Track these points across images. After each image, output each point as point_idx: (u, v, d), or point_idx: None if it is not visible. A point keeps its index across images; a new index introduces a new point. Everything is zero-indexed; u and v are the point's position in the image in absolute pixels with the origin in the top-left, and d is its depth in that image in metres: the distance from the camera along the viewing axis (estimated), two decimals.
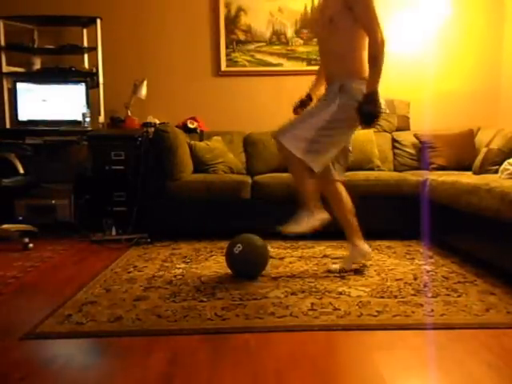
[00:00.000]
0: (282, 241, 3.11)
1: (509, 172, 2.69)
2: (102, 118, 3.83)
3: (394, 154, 3.87)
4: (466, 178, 2.75)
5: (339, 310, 1.91)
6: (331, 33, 2.24)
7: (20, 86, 3.71)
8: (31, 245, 3.06)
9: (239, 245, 2.29)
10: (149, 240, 3.21)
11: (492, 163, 3.16)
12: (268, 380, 1.38)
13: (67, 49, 3.81)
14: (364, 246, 2.45)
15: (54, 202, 3.65)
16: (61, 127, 3.63)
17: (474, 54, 4.10)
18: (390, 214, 3.20)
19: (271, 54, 4.07)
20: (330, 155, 2.28)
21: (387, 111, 3.98)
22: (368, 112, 2.12)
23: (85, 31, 3.87)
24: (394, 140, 3.91)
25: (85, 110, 3.71)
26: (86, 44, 3.88)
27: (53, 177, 3.69)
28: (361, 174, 3.30)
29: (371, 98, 2.12)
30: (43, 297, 2.15)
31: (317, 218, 2.30)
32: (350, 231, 2.45)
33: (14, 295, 2.18)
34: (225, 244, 2.88)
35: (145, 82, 3.78)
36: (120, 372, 1.45)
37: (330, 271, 2.43)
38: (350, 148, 2.47)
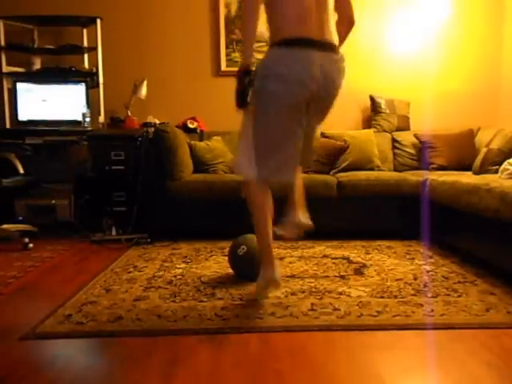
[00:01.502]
0: (282, 241, 3.11)
1: (509, 172, 2.70)
2: (102, 118, 3.83)
3: (394, 153, 3.87)
4: (466, 178, 2.75)
5: (339, 310, 1.91)
6: None
7: (20, 85, 3.71)
8: (31, 245, 3.06)
9: (243, 246, 2.29)
10: (149, 240, 3.21)
11: (492, 163, 3.16)
12: (268, 380, 1.38)
13: (67, 49, 3.81)
14: (272, 273, 1.91)
15: (54, 201, 3.65)
16: (61, 127, 3.62)
17: (474, 54, 4.11)
18: (390, 214, 3.20)
19: None
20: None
21: (387, 111, 4.01)
22: (236, 90, 1.76)
23: (85, 31, 3.87)
24: (394, 140, 3.91)
25: (85, 109, 3.71)
26: (86, 44, 3.87)
27: (53, 177, 3.69)
28: (361, 174, 3.31)
29: (238, 72, 1.75)
30: (43, 297, 2.15)
31: (299, 224, 2.10)
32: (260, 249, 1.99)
33: (14, 295, 2.18)
34: (225, 244, 2.89)
35: (145, 82, 3.78)
36: (120, 372, 1.45)
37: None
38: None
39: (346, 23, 1.96)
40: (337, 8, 1.91)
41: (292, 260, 2.70)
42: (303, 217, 2.14)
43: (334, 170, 3.56)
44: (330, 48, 1.79)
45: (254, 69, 1.78)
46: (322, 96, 1.82)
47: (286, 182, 1.98)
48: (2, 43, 3.73)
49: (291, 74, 1.72)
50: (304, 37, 1.73)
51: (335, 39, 1.83)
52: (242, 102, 1.76)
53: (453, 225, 2.83)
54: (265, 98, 1.77)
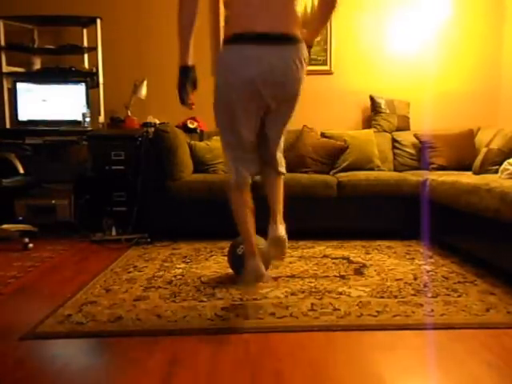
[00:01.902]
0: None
1: (509, 172, 2.70)
2: (102, 118, 3.83)
3: (394, 154, 3.87)
4: (466, 178, 2.75)
5: (339, 310, 1.91)
6: None
7: (20, 85, 3.71)
8: (31, 245, 3.06)
9: (243, 246, 2.28)
10: (149, 240, 3.21)
11: (492, 163, 3.16)
12: (267, 380, 1.38)
13: (67, 49, 3.81)
14: (254, 264, 1.84)
15: (53, 202, 3.64)
16: (61, 127, 3.62)
17: (474, 54, 4.11)
18: (390, 214, 3.20)
19: None
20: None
21: (387, 111, 4.01)
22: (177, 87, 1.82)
23: (85, 31, 3.87)
24: (394, 140, 3.91)
25: (85, 109, 3.71)
26: (86, 44, 3.87)
27: (53, 177, 3.69)
28: (361, 174, 3.31)
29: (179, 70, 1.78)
30: (43, 297, 2.15)
31: (280, 239, 1.98)
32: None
33: (14, 295, 2.18)
34: (225, 244, 2.89)
35: (145, 82, 3.78)
36: (120, 372, 1.45)
37: None
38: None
39: (328, 2, 1.80)
40: None
41: (292, 260, 2.70)
42: (282, 230, 1.99)
43: (334, 170, 3.56)
44: (283, 40, 1.68)
45: (191, 65, 1.82)
46: (279, 93, 1.75)
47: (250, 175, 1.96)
48: (2, 43, 3.73)
49: (240, 72, 1.69)
50: (250, 31, 1.67)
51: (294, 29, 1.70)
52: (181, 98, 1.82)
53: (453, 225, 2.83)
54: (220, 96, 1.79)
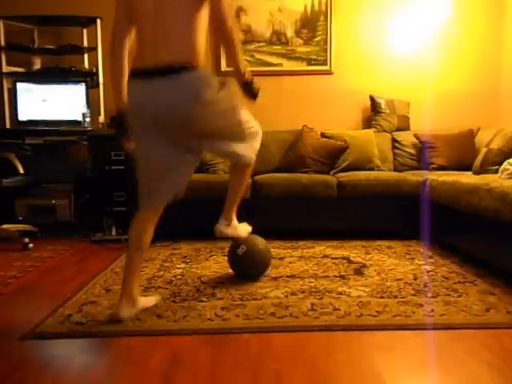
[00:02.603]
0: (282, 241, 3.12)
1: (509, 172, 2.70)
2: (101, 118, 3.83)
3: (394, 154, 3.87)
4: (466, 178, 2.75)
5: (339, 310, 1.91)
6: None
7: (20, 85, 3.71)
8: (31, 245, 3.07)
9: (243, 246, 2.29)
10: None
11: (492, 163, 3.16)
12: (268, 380, 1.38)
13: (67, 49, 3.81)
14: (117, 307, 1.84)
15: (54, 201, 3.65)
16: (61, 127, 3.62)
17: (474, 54, 4.10)
18: (390, 213, 3.20)
19: (271, 54, 4.07)
20: None
21: (387, 111, 4.01)
22: None
23: (85, 31, 3.87)
24: (394, 140, 3.91)
25: (85, 110, 3.71)
26: (86, 44, 3.87)
27: (53, 177, 3.69)
28: (361, 174, 3.31)
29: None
30: (43, 297, 2.15)
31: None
32: None
33: (14, 295, 2.18)
34: (225, 244, 2.89)
35: None
36: (120, 372, 1.45)
37: None
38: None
39: (225, 45, 1.80)
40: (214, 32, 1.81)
41: (292, 260, 2.70)
42: (225, 227, 2.24)
43: (334, 170, 3.56)
44: (162, 73, 1.67)
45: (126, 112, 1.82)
46: (168, 123, 1.74)
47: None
48: (2, 43, 3.73)
49: (131, 107, 1.77)
50: (136, 68, 1.73)
51: (184, 58, 1.68)
52: (118, 143, 1.87)
53: (453, 225, 2.83)
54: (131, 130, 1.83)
